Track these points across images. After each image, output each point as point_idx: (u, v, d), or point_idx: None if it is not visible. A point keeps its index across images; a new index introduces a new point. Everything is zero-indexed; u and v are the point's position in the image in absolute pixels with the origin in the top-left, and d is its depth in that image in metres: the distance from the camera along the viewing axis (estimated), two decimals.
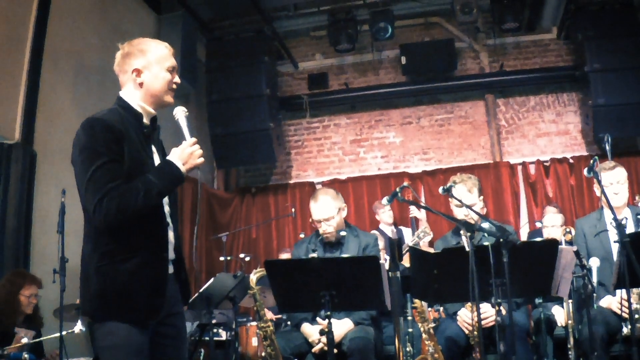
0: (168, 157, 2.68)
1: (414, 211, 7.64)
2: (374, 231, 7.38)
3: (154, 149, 2.82)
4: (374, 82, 9.47)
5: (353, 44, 8.93)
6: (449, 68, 8.98)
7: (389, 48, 9.39)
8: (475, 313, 3.42)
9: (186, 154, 2.66)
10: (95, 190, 2.50)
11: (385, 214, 7.81)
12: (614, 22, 7.81)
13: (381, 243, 5.98)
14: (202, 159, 2.70)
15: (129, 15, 7.52)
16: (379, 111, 9.47)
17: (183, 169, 2.65)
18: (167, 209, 2.78)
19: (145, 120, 2.79)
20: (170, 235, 2.77)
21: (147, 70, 2.75)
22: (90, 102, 6.39)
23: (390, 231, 7.68)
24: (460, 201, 4.05)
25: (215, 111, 8.62)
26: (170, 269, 2.78)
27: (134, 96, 2.77)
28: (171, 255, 2.77)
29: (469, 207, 3.94)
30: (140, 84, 2.75)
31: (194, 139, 2.71)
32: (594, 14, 7.87)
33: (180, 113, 2.78)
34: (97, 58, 6.58)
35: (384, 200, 3.73)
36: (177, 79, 2.84)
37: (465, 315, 4.37)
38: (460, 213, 4.49)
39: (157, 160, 2.78)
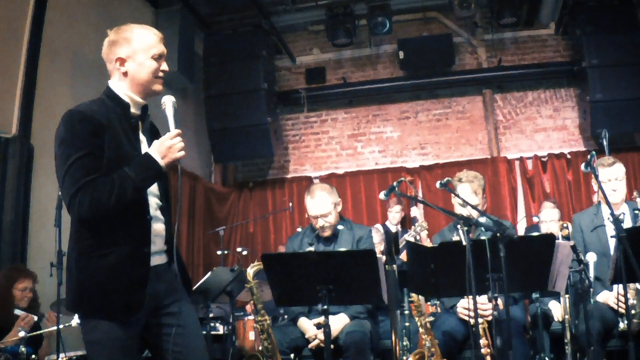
0: (147, 150, 2.60)
1: (414, 211, 7.67)
2: (377, 225, 7.39)
3: (143, 139, 2.75)
4: (372, 77, 9.47)
5: (351, 39, 8.89)
6: (446, 63, 8.99)
7: (387, 43, 9.38)
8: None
9: (165, 147, 2.55)
10: (70, 185, 2.46)
11: (390, 214, 7.84)
12: (612, 18, 7.80)
13: (379, 237, 5.99)
14: (182, 153, 2.58)
15: (126, 9, 7.50)
16: (377, 106, 9.48)
17: (162, 162, 2.55)
18: (155, 201, 2.72)
19: (134, 110, 2.72)
20: (160, 228, 2.72)
21: (130, 59, 2.67)
22: (87, 95, 6.27)
23: (394, 229, 7.70)
24: (458, 196, 4.05)
25: (213, 106, 8.61)
26: (164, 259, 2.73)
27: (121, 86, 2.70)
28: (160, 247, 2.71)
29: (469, 204, 3.93)
30: (125, 74, 2.69)
31: (176, 131, 2.59)
32: (592, 10, 7.87)
33: (168, 102, 2.67)
34: (94, 52, 6.48)
35: (382, 195, 3.72)
36: (164, 67, 2.74)
37: (465, 304, 4.34)
38: (460, 207, 4.49)
39: (144, 151, 2.68)
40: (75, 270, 2.53)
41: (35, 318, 4.72)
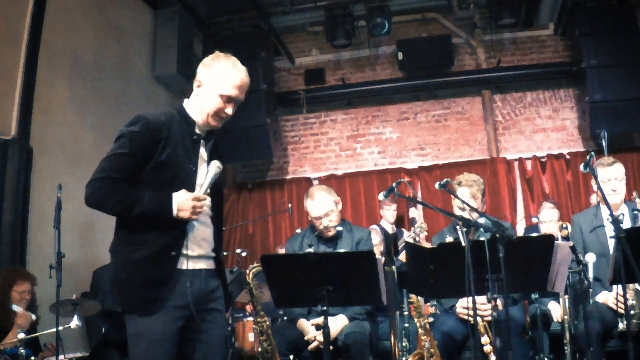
0: (173, 194, 2.71)
1: (412, 212, 7.67)
2: (374, 226, 7.39)
3: (203, 154, 2.91)
4: (371, 78, 9.45)
5: (350, 40, 8.89)
6: (445, 64, 8.99)
7: (386, 44, 9.37)
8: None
9: (187, 204, 2.70)
10: (98, 170, 2.65)
11: (388, 212, 7.83)
12: (611, 18, 7.80)
13: (379, 238, 5.99)
14: (195, 217, 2.73)
15: (125, 11, 7.50)
16: (376, 107, 9.47)
17: (174, 212, 2.68)
18: (205, 209, 2.84)
19: (198, 130, 2.89)
20: (207, 233, 2.87)
21: (204, 85, 2.87)
22: (86, 97, 6.39)
23: (390, 229, 7.69)
24: (458, 198, 4.05)
25: None
26: (210, 265, 2.88)
27: (193, 106, 2.90)
28: (206, 251, 2.86)
29: (468, 205, 3.92)
30: (197, 95, 2.90)
31: (204, 196, 2.77)
32: (591, 10, 7.86)
33: (213, 165, 2.84)
34: (93, 53, 6.56)
35: (381, 196, 3.72)
36: (228, 110, 2.92)
37: (465, 303, 4.32)
38: (458, 209, 4.49)
39: (200, 166, 2.87)
40: (113, 264, 2.72)
41: (34, 316, 4.75)
